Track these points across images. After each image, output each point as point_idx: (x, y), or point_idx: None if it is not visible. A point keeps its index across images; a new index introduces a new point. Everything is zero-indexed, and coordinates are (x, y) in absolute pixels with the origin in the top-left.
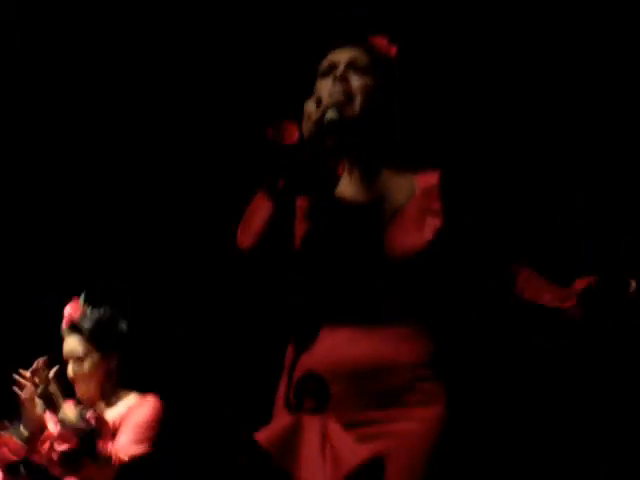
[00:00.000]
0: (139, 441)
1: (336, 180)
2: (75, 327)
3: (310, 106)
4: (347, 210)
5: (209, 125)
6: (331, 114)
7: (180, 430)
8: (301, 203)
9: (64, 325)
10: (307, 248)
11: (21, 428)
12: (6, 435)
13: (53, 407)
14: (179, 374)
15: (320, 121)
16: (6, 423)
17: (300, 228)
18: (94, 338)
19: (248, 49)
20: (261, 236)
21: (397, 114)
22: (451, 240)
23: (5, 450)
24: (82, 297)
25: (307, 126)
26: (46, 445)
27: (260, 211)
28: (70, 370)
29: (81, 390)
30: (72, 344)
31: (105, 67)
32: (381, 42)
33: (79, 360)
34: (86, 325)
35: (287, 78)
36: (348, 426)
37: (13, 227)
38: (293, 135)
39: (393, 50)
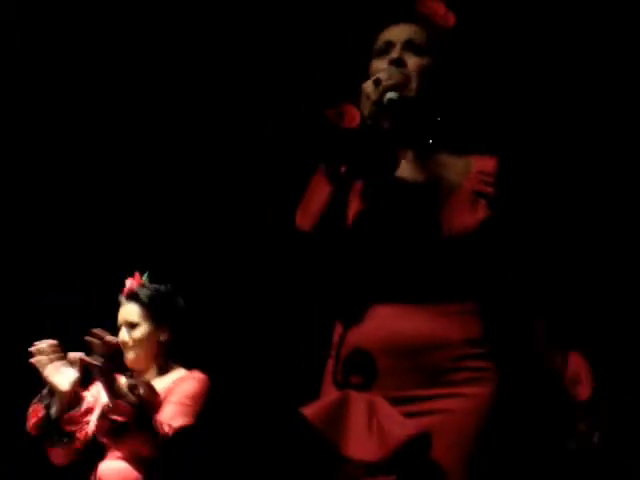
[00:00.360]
0: (184, 414)
1: (397, 161)
2: (133, 295)
3: (369, 86)
4: (402, 188)
5: (260, 113)
6: (391, 94)
7: (226, 406)
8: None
9: (123, 294)
10: (360, 225)
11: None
12: (37, 405)
13: (108, 378)
14: (228, 351)
15: (380, 101)
16: (43, 392)
17: (354, 206)
18: (150, 306)
19: (298, 30)
20: (321, 218)
21: (454, 93)
22: (500, 225)
23: (34, 420)
24: (145, 274)
25: (366, 106)
26: (88, 416)
27: (320, 193)
28: (122, 335)
29: (130, 357)
30: (128, 310)
31: (105, 67)
32: (439, 9)
33: (132, 326)
34: (144, 293)
35: (338, 61)
36: (395, 402)
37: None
38: (354, 118)
39: (451, 20)
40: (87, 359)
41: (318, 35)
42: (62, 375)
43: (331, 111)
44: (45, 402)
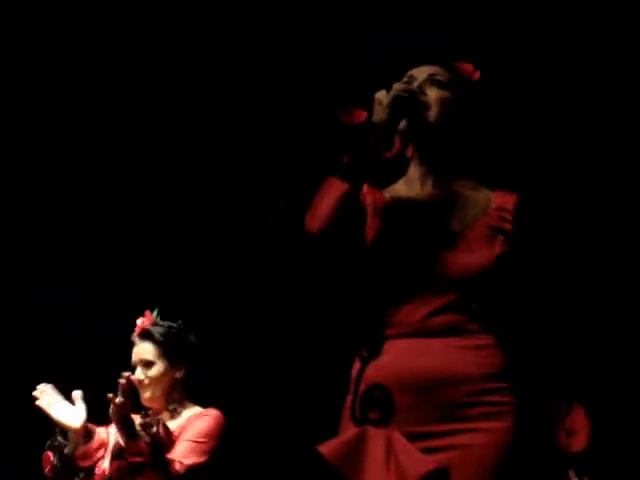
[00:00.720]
0: (197, 452)
1: (401, 164)
2: (146, 334)
3: (381, 94)
4: (420, 219)
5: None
6: (401, 93)
7: (242, 444)
8: (373, 201)
9: (135, 333)
10: (378, 256)
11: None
12: (47, 452)
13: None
14: (245, 388)
15: (389, 102)
16: (54, 437)
17: (371, 230)
18: (164, 344)
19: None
20: (329, 220)
21: (475, 130)
22: (517, 263)
23: (48, 467)
24: (155, 311)
25: (377, 111)
26: (101, 451)
27: (328, 196)
28: (138, 373)
29: (147, 396)
30: (142, 349)
31: (105, 68)
32: (466, 67)
33: (148, 365)
34: (158, 332)
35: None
36: (413, 438)
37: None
38: (361, 116)
39: (477, 75)
40: (111, 397)
41: (318, 36)
42: (70, 413)
43: (339, 109)
44: (56, 445)
